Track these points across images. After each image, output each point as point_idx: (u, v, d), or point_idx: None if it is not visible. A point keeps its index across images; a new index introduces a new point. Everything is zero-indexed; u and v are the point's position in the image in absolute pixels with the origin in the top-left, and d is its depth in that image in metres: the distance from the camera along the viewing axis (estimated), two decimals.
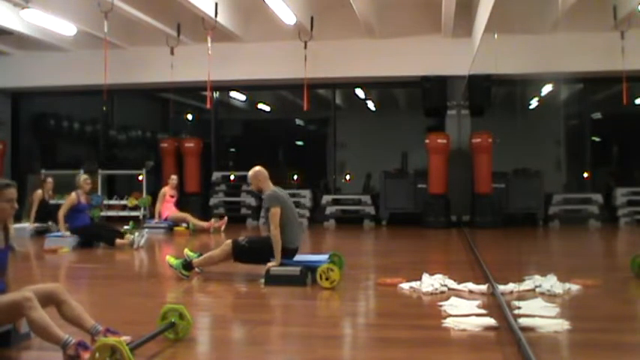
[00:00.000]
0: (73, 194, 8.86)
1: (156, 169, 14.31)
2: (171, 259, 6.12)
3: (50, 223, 10.44)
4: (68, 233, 8.77)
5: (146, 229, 9.40)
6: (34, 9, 10.14)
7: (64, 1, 10.69)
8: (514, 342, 3.64)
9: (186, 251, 6.23)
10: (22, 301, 3.31)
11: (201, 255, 6.22)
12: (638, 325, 4.56)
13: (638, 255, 5.88)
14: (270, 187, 6.04)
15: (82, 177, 9.08)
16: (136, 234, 8.85)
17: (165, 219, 11.43)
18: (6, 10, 10.85)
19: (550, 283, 5.17)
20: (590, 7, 10.16)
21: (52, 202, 11.17)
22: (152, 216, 12.44)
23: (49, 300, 3.49)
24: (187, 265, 6.05)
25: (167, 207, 11.56)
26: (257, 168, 6.12)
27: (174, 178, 11.93)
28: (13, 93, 14.93)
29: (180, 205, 11.91)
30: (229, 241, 6.12)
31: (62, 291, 3.55)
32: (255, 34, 12.70)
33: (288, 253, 5.93)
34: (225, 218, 11.51)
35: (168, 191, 11.64)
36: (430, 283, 5.36)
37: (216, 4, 10.66)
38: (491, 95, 12.68)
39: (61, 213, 8.77)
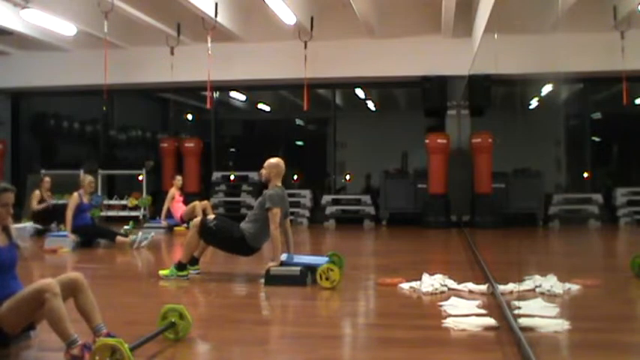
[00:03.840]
0: (76, 194, 8.85)
1: (156, 169, 14.31)
2: (163, 272, 6.13)
3: (53, 224, 10.43)
4: (73, 236, 8.74)
5: (152, 232, 9.37)
6: (34, 9, 10.14)
7: (64, 1, 10.68)
8: (514, 342, 3.64)
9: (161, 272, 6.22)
10: (45, 287, 3.35)
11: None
12: (638, 325, 4.56)
13: (638, 255, 5.87)
14: (277, 185, 6.04)
15: (87, 179, 9.05)
16: (140, 234, 8.85)
17: (181, 219, 11.33)
18: (6, 10, 10.84)
19: (550, 283, 5.17)
20: (590, 7, 10.15)
21: (51, 202, 11.15)
22: (153, 216, 12.43)
23: (70, 289, 3.52)
24: (180, 266, 6.06)
25: (178, 207, 11.50)
26: (280, 160, 6.14)
27: (179, 179, 11.89)
28: (13, 93, 14.93)
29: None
30: (199, 219, 6.20)
31: (83, 281, 3.58)
32: (255, 34, 12.69)
33: (248, 252, 6.09)
34: None
35: (176, 191, 11.61)
36: (430, 283, 5.36)
37: (216, 4, 10.66)
38: (491, 95, 12.68)
39: (69, 214, 8.74)
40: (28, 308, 3.43)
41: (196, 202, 11.26)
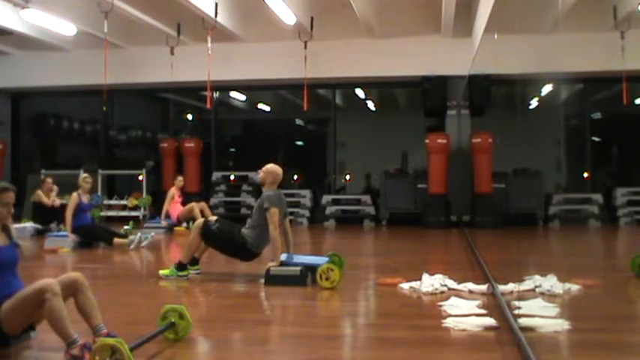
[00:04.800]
0: (75, 194, 8.85)
1: (156, 169, 14.31)
2: (163, 272, 6.12)
3: (53, 224, 10.42)
4: (73, 236, 8.74)
5: (152, 232, 9.37)
6: (34, 9, 10.14)
7: (64, 1, 10.68)
8: (514, 342, 3.64)
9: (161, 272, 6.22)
10: (46, 287, 3.35)
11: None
12: (638, 325, 4.56)
13: (638, 255, 5.88)
14: (272, 189, 6.06)
15: (82, 176, 9.09)
16: (139, 234, 8.85)
17: (177, 219, 11.37)
18: (6, 10, 10.85)
19: (550, 283, 5.17)
20: (590, 7, 10.16)
21: (58, 202, 11.11)
22: (152, 216, 12.41)
23: (71, 289, 3.52)
24: (181, 266, 6.06)
25: (175, 208, 11.49)
26: (279, 168, 6.15)
27: (180, 179, 11.89)
28: (13, 93, 14.93)
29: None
30: (202, 220, 6.21)
31: (83, 281, 3.58)
32: (255, 34, 12.69)
33: (249, 257, 6.08)
34: None
35: (176, 192, 11.61)
36: (430, 283, 5.36)
37: (216, 4, 10.66)
38: (491, 95, 12.68)
39: (68, 214, 8.74)
40: (28, 308, 3.43)
41: (193, 204, 11.27)
